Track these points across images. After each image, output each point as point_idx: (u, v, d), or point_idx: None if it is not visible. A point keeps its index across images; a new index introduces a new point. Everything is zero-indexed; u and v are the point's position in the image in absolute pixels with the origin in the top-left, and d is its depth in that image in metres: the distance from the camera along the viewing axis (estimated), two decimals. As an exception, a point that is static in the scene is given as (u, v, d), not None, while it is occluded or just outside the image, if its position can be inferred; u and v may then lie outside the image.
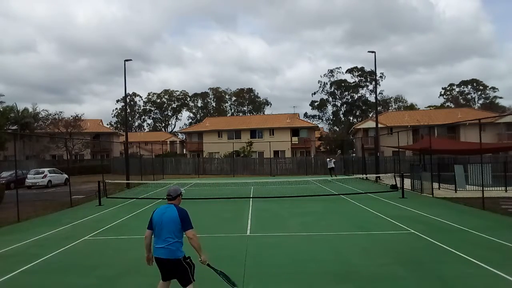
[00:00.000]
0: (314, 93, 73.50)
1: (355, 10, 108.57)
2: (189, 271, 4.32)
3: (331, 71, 72.71)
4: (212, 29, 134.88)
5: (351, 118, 71.54)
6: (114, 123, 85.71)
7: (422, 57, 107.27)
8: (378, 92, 51.48)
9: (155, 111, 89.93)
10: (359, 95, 71.38)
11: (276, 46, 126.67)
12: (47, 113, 49.05)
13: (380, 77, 69.74)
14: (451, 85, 76.37)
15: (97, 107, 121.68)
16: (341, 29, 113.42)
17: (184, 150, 61.33)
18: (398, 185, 17.26)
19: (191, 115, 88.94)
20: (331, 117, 74.48)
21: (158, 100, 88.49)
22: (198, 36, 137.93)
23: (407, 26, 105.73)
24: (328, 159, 27.02)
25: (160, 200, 17.08)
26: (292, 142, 46.44)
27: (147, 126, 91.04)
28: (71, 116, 47.67)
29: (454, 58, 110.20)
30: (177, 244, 4.30)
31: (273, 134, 46.89)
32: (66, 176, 27.67)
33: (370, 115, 61.05)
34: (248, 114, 76.24)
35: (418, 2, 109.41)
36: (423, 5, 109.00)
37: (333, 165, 26.76)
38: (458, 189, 17.39)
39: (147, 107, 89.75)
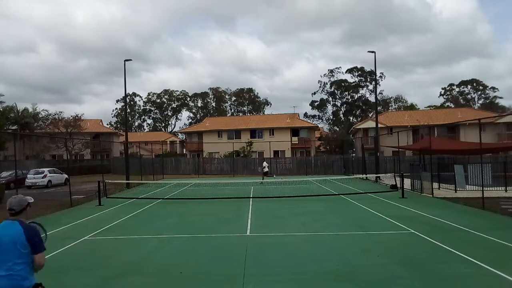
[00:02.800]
0: (314, 93, 73.57)
1: (353, 11, 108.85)
2: None
3: (331, 71, 72.77)
4: (210, 30, 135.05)
5: (351, 118, 71.51)
6: (114, 123, 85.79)
7: (420, 57, 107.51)
8: (378, 92, 51.50)
9: (155, 111, 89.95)
10: (359, 95, 71.39)
11: (275, 47, 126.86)
12: (47, 113, 49.18)
13: (380, 77, 69.85)
14: (451, 85, 76.46)
15: (97, 107, 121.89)
16: (339, 30, 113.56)
17: (184, 150, 61.32)
18: (398, 185, 17.26)
19: (191, 115, 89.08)
20: (331, 117, 74.53)
21: (158, 100, 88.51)
22: (197, 37, 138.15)
23: (405, 27, 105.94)
24: (263, 164, 28.29)
25: (160, 200, 17.12)
26: (292, 142, 46.43)
27: (147, 126, 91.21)
28: (71, 116, 47.76)
29: (452, 58, 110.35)
30: (24, 271, 3.31)
31: (273, 134, 46.87)
32: (66, 176, 27.68)
33: (370, 115, 61.02)
34: (248, 114, 76.24)
35: (416, 3, 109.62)
36: (421, 6, 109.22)
37: (267, 169, 28.04)
38: (458, 189, 17.39)
39: (147, 107, 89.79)
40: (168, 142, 65.09)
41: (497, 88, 71.54)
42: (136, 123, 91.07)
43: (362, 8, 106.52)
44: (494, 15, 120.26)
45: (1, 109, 44.65)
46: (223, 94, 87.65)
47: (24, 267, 3.30)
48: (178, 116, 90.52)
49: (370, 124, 44.20)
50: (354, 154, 44.38)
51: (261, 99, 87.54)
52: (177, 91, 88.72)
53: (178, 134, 76.44)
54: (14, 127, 44.61)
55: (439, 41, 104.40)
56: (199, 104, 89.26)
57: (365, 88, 71.29)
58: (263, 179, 26.30)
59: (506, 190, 16.65)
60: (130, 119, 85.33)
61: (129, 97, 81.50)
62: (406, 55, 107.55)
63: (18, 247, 3.26)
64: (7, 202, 3.52)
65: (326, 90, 72.51)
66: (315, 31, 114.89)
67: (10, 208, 3.42)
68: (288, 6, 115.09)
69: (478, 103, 72.09)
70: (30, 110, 48.04)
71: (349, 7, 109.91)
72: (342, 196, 16.92)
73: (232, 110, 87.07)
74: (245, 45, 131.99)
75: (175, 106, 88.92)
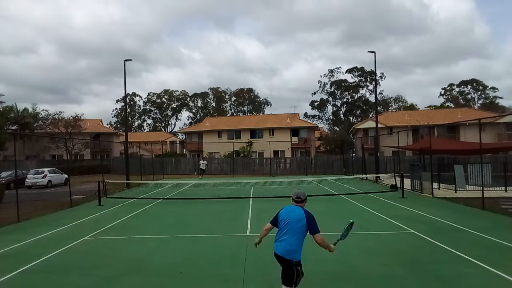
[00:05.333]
0: (314, 93, 73.53)
1: (351, 12, 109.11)
2: (295, 277, 4.32)
3: (331, 71, 72.75)
4: (209, 30, 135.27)
5: (351, 118, 71.48)
6: (114, 123, 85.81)
7: (419, 58, 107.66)
8: (378, 92, 51.47)
9: (155, 111, 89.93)
10: (359, 95, 71.35)
11: (273, 48, 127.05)
12: (47, 113, 49.16)
13: (380, 77, 69.83)
14: (451, 85, 76.49)
15: (97, 107, 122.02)
16: (337, 31, 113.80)
17: (184, 150, 61.32)
18: (398, 185, 17.26)
19: (191, 115, 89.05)
20: (331, 117, 74.48)
21: (158, 100, 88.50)
22: (195, 37, 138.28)
23: (403, 27, 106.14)
24: (201, 161, 28.98)
25: (160, 200, 17.11)
26: (292, 142, 46.43)
27: (147, 126, 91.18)
28: (71, 116, 47.76)
29: (450, 59, 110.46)
30: (297, 245, 4.37)
31: (273, 134, 46.88)
32: (66, 176, 27.67)
33: (370, 115, 61.00)
34: (248, 114, 76.20)
35: (413, 4, 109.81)
36: (418, 6, 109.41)
37: (204, 168, 28.51)
38: (458, 189, 17.39)
39: (147, 107, 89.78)
40: (168, 142, 65.08)
41: (497, 88, 71.73)
42: (136, 123, 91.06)
43: (360, 9, 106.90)
44: (491, 16, 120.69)
45: (1, 109, 44.64)
46: (223, 94, 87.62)
47: (298, 242, 4.40)
48: (178, 116, 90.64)
49: (370, 124, 44.20)
50: (354, 154, 44.37)
51: (261, 99, 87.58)
52: (177, 91, 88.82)
53: (178, 134, 76.44)
54: (14, 127, 44.60)
55: (437, 42, 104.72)
56: (199, 104, 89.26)
57: (365, 88, 71.32)
58: (200, 177, 26.87)
59: (506, 190, 16.65)
60: (130, 119, 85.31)
61: (129, 97, 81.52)
62: (405, 56, 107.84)
63: (299, 226, 4.41)
64: (294, 193, 4.69)
65: (326, 90, 72.52)
66: (313, 32, 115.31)
67: (298, 197, 4.63)
68: (286, 8, 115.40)
69: (478, 103, 72.11)
70: (30, 110, 48.10)
71: (347, 8, 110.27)
72: (342, 196, 16.92)
73: (232, 110, 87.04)
74: (243, 45, 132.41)
75: (175, 106, 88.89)
